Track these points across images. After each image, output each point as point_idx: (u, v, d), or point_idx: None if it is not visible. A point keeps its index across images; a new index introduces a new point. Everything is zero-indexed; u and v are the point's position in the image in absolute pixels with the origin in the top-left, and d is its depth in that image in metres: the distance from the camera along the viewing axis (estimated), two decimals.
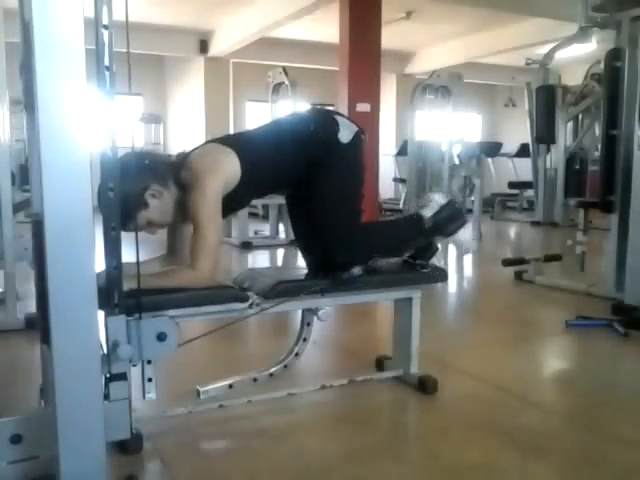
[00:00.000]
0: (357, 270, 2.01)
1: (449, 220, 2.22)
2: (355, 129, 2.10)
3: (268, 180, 2.05)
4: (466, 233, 2.23)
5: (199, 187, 1.79)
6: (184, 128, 11.26)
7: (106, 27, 1.29)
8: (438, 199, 2.24)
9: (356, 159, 2.11)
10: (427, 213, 2.21)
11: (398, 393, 2.27)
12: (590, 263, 4.20)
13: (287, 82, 6.63)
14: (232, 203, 1.93)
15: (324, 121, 2.09)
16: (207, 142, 2.03)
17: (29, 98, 1.34)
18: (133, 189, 1.72)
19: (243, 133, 2.22)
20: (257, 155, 1.98)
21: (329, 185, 2.07)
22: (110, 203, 1.34)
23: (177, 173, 1.85)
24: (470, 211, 7.38)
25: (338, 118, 2.10)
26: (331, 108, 8.42)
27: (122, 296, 1.40)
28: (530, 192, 8.66)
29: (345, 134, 2.05)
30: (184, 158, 1.90)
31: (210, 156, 1.91)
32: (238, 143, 1.97)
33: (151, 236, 1.87)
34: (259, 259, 5.74)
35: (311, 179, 2.06)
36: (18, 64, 1.46)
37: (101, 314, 1.37)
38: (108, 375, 1.43)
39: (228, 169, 1.89)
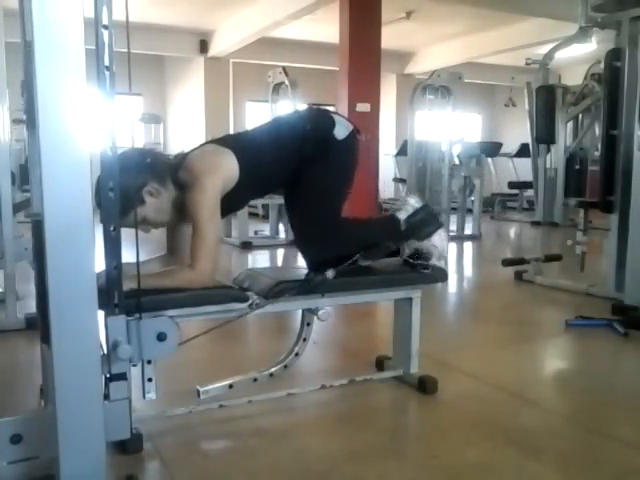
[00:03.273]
0: (330, 273, 1.99)
1: (423, 224, 2.21)
2: (351, 127, 2.11)
3: (266, 179, 2.06)
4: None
5: (198, 187, 1.79)
6: (184, 128, 11.26)
7: (106, 27, 1.29)
8: (414, 202, 2.24)
9: (349, 156, 2.12)
10: (402, 216, 2.21)
11: (398, 393, 2.27)
12: (590, 263, 4.20)
13: (287, 82, 6.63)
14: (230, 203, 1.93)
15: (320, 119, 2.10)
16: (205, 143, 2.04)
17: (30, 105, 1.33)
18: (131, 184, 1.72)
19: (241, 134, 2.22)
20: (255, 155, 1.98)
21: (316, 179, 2.08)
22: (110, 203, 1.34)
23: (175, 173, 1.86)
24: (470, 211, 7.38)
25: (335, 116, 2.12)
26: (331, 108, 8.44)
27: (122, 296, 1.40)
28: (530, 192, 8.66)
29: (340, 131, 2.06)
30: (182, 158, 1.91)
31: (208, 157, 1.91)
32: (236, 144, 1.97)
33: (151, 236, 1.87)
34: (259, 259, 5.74)
35: (302, 174, 2.06)
36: (18, 64, 1.46)
37: (101, 314, 1.37)
38: (108, 375, 1.43)
39: (226, 169, 1.89)
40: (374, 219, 2.54)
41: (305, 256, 2.18)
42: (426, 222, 2.21)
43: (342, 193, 2.16)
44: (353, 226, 2.28)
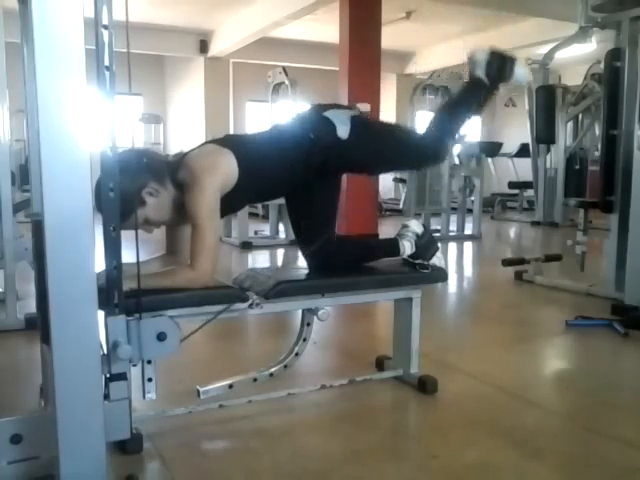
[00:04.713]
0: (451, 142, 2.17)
1: (502, 67, 2.27)
2: (349, 116, 2.09)
3: (267, 183, 2.04)
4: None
5: (197, 187, 1.79)
6: (184, 128, 11.26)
7: (106, 27, 1.29)
8: (481, 57, 2.26)
9: (363, 141, 2.12)
10: (480, 74, 2.25)
11: (398, 393, 2.27)
12: (590, 263, 4.20)
13: (287, 82, 6.63)
14: (229, 204, 1.92)
15: (321, 126, 2.07)
16: (205, 143, 2.03)
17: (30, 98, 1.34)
18: (131, 186, 1.71)
19: (242, 136, 2.22)
20: (256, 158, 1.97)
21: (374, 160, 2.20)
22: (110, 203, 1.34)
23: (174, 173, 1.85)
24: (470, 211, 7.38)
25: (331, 116, 2.08)
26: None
27: (122, 296, 1.40)
28: (530, 192, 8.67)
29: (342, 129, 2.05)
30: (181, 158, 1.90)
31: (208, 156, 1.90)
32: (236, 145, 1.96)
33: (151, 236, 1.87)
34: (259, 259, 5.74)
35: (320, 181, 2.09)
36: (18, 64, 1.46)
37: (101, 314, 1.37)
38: (108, 375, 1.43)
39: (226, 170, 1.88)
40: (457, 96, 2.53)
41: (311, 259, 2.19)
42: (504, 64, 2.27)
43: (399, 136, 2.32)
44: (445, 122, 2.37)
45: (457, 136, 2.26)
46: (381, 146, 2.19)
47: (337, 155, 2.06)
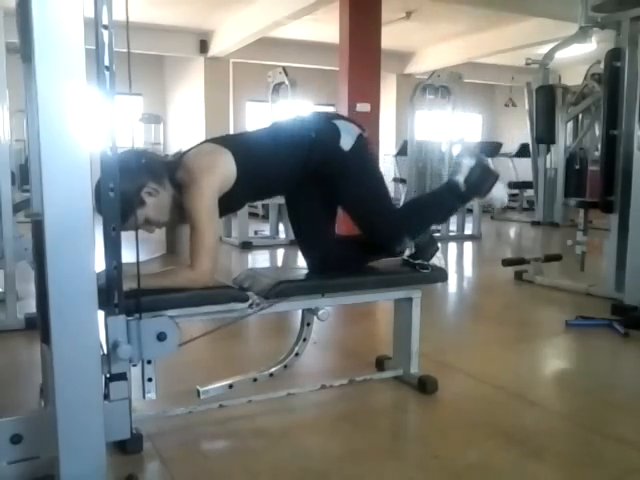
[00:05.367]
0: (407, 241, 2.14)
1: (480, 181, 2.26)
2: (356, 133, 2.08)
3: (265, 182, 2.04)
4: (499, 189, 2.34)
5: (195, 187, 1.79)
6: (184, 128, 11.25)
7: (106, 27, 1.29)
8: (467, 162, 2.26)
9: (361, 163, 2.10)
10: (460, 179, 2.25)
11: (398, 393, 2.27)
12: (590, 263, 4.20)
13: (287, 82, 6.62)
14: (228, 204, 1.92)
15: (325, 129, 2.06)
16: (203, 142, 2.02)
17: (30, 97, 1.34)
18: (130, 187, 1.71)
19: (240, 134, 2.22)
20: (254, 157, 1.97)
21: (352, 193, 2.11)
22: (111, 203, 1.34)
23: (173, 172, 1.85)
24: (470, 211, 7.38)
25: (338, 123, 2.07)
26: (331, 109, 8.42)
27: (122, 296, 1.40)
28: (530, 192, 8.66)
29: (346, 140, 2.03)
30: (180, 157, 1.90)
31: (206, 156, 1.90)
32: (235, 144, 1.96)
33: (151, 236, 1.87)
34: (259, 259, 5.74)
35: (329, 189, 2.09)
36: (19, 64, 1.46)
37: (101, 314, 1.37)
38: (108, 375, 1.43)
39: (224, 169, 1.88)
40: (435, 191, 2.57)
41: (311, 259, 2.19)
42: (483, 179, 2.26)
43: (380, 186, 2.19)
44: (419, 205, 2.42)
45: (414, 238, 2.21)
46: (370, 184, 2.15)
47: (335, 161, 2.04)
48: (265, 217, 7.72)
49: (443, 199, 2.33)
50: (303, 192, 2.12)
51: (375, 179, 2.17)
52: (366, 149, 2.12)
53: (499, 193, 2.29)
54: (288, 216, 2.30)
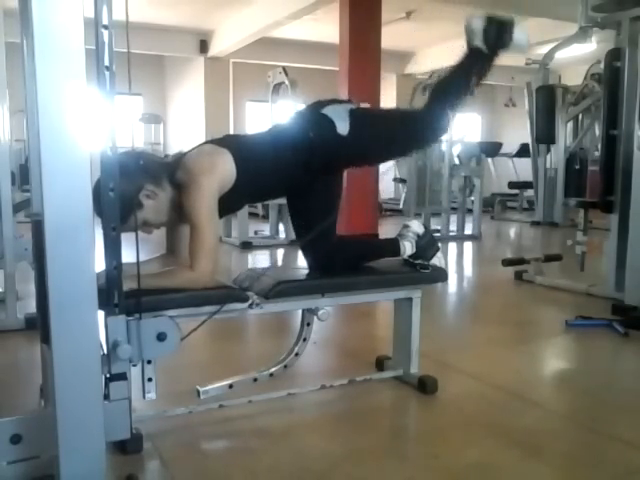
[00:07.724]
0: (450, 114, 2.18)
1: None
2: (347, 111, 2.07)
3: (265, 183, 2.04)
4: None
5: (195, 188, 1.79)
6: (184, 128, 11.25)
7: (106, 27, 1.29)
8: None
9: (362, 138, 2.11)
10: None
11: (398, 393, 2.27)
12: (590, 263, 4.20)
13: (287, 82, 6.62)
14: (228, 204, 1.92)
15: (319, 124, 2.06)
16: (203, 143, 2.02)
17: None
18: (127, 190, 1.69)
19: (240, 136, 2.22)
20: (254, 158, 1.97)
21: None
22: (111, 203, 1.34)
23: (172, 173, 1.85)
24: (470, 211, 7.38)
25: (327, 112, 2.07)
26: None
27: (122, 296, 1.40)
28: (530, 192, 8.66)
29: (341, 125, 2.03)
30: (179, 158, 1.90)
31: (206, 157, 1.90)
32: (234, 145, 1.96)
33: (151, 236, 1.87)
34: (259, 259, 5.74)
35: (321, 181, 2.09)
36: (18, 64, 1.46)
37: (101, 314, 1.37)
38: (108, 375, 1.43)
39: (223, 169, 1.88)
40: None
41: (312, 258, 2.19)
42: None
43: (396, 134, 2.22)
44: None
45: (458, 108, 2.22)
46: (382, 134, 2.17)
47: (338, 152, 2.05)
48: (265, 217, 7.72)
49: (470, 68, 2.31)
50: (304, 192, 2.12)
51: (388, 119, 2.28)
52: (362, 117, 2.13)
53: (520, 36, 2.29)
54: (289, 215, 2.30)
